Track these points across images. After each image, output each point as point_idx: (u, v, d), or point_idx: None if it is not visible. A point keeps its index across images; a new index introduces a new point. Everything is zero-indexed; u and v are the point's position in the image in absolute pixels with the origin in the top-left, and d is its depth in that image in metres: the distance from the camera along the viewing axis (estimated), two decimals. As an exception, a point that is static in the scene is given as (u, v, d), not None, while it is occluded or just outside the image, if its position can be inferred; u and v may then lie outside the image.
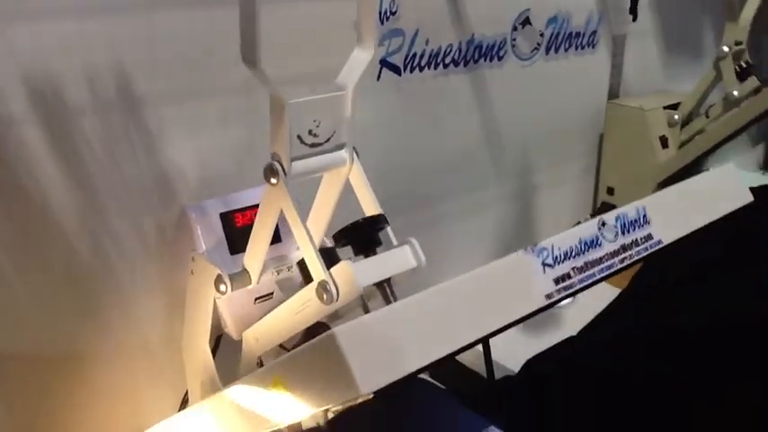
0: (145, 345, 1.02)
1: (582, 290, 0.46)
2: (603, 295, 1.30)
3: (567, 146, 1.66)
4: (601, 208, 1.68)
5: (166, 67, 0.94)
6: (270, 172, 0.69)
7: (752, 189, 0.84)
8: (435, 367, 0.41)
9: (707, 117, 1.60)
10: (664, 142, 1.59)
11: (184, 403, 1.05)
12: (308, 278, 0.72)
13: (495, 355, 1.07)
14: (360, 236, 0.69)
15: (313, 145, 0.72)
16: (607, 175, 1.70)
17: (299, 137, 0.70)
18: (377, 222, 0.70)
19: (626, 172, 1.65)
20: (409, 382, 1.06)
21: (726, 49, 1.53)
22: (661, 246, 0.53)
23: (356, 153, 0.76)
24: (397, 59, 1.22)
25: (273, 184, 0.70)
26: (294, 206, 0.69)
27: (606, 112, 1.67)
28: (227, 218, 0.87)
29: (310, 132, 0.71)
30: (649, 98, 1.66)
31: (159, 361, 1.03)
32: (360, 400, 0.38)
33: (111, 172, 0.92)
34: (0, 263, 0.87)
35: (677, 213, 0.57)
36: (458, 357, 1.27)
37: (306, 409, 0.42)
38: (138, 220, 0.96)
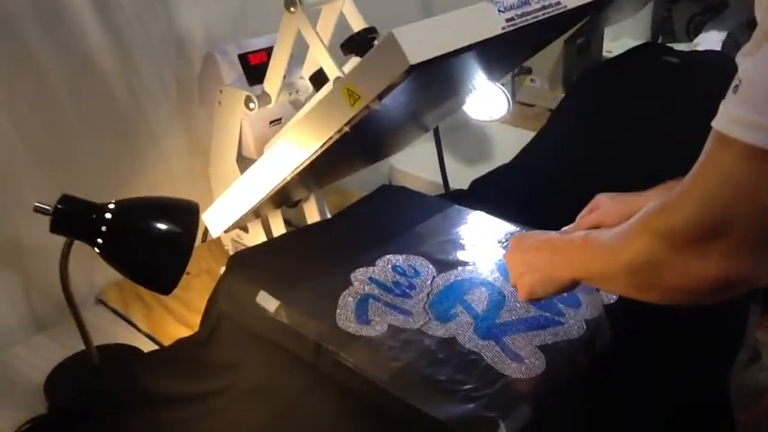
0: (171, 175, 1.26)
1: (522, 28, 0.75)
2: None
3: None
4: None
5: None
6: (289, 2, 0.93)
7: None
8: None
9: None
10: None
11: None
12: (320, 85, 0.98)
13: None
14: (363, 39, 0.94)
15: (318, -18, 0.97)
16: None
17: (309, -25, 0.94)
18: (373, 30, 0.96)
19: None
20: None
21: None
22: (565, 9, 0.82)
23: (346, -11, 1.01)
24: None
25: (292, 12, 0.94)
26: (310, 25, 0.94)
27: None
28: (243, 57, 1.10)
29: (316, -29, 0.95)
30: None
31: (183, 189, 1.26)
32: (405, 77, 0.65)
33: (139, 29, 1.14)
34: (56, 99, 1.09)
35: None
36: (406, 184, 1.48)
37: (369, 96, 0.68)
38: (161, 71, 1.19)
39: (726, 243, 0.55)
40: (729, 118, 0.53)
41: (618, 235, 0.66)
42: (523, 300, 0.85)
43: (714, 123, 0.55)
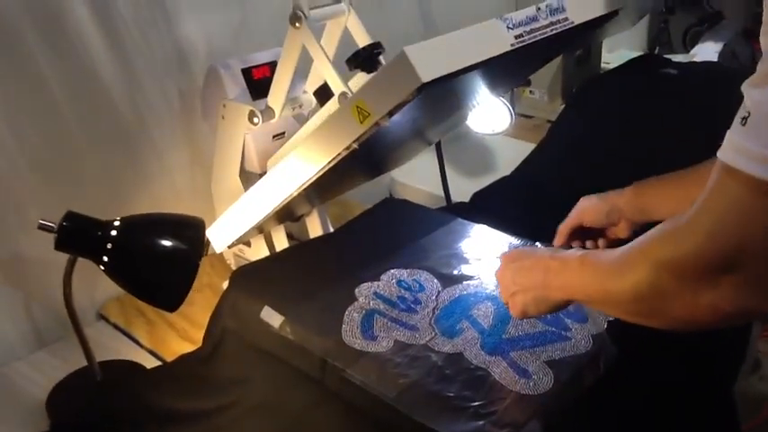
0: (173, 188, 1.26)
1: (530, 45, 0.75)
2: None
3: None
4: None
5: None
6: (294, 18, 0.94)
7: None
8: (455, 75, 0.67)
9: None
10: None
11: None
12: (325, 100, 0.98)
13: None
14: (369, 55, 0.94)
15: (322, -3, 0.97)
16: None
17: (313, -10, 0.95)
18: (378, 46, 0.96)
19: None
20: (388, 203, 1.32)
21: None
22: (573, 25, 0.82)
23: (351, 4, 1.01)
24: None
25: (297, 28, 0.94)
26: (315, 40, 0.94)
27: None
28: (247, 72, 1.09)
29: (320, -13, 0.96)
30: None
31: (185, 203, 1.26)
32: (416, 95, 0.65)
33: (141, 42, 1.14)
34: (58, 113, 1.09)
35: (580, 8, 0.86)
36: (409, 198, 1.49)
37: (379, 114, 0.68)
38: (163, 85, 1.19)
39: (738, 275, 0.53)
40: (736, 149, 0.51)
41: (618, 259, 0.64)
42: (516, 318, 0.85)
43: (720, 154, 0.53)
